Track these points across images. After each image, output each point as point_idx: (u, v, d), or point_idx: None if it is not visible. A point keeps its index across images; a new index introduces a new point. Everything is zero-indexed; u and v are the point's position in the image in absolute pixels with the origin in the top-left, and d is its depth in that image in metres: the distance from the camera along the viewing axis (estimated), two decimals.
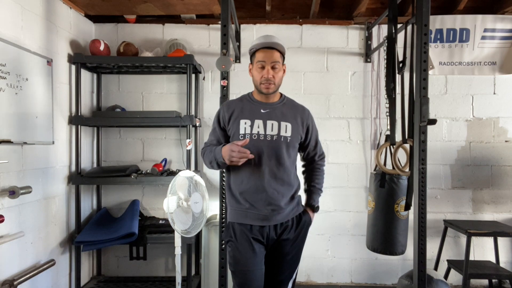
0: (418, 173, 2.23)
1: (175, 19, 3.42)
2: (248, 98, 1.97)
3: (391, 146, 2.80)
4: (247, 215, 1.85)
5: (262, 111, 1.90)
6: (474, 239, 3.33)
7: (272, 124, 1.87)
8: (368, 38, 3.40)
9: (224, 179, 2.11)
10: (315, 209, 2.03)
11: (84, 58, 3.02)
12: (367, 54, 3.41)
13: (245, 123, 1.86)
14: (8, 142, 2.26)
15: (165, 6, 3.03)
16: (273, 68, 1.84)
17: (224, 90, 2.19)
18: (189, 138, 3.05)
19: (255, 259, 1.82)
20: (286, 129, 1.88)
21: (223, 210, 2.16)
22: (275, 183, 1.84)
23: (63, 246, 2.93)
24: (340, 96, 3.44)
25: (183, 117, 3.05)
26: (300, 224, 1.93)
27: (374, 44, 3.38)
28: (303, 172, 2.15)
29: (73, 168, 3.05)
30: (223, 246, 2.13)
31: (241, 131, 1.85)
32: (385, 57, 2.69)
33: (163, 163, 3.29)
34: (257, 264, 1.83)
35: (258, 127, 1.85)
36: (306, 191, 2.09)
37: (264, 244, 1.87)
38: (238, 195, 1.87)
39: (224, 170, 2.08)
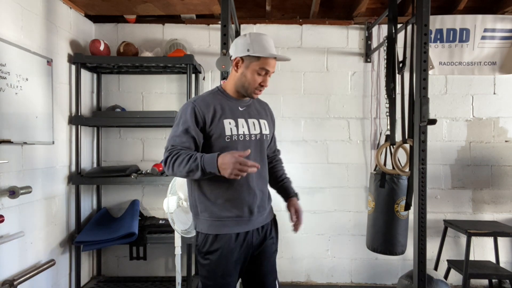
0: (418, 173, 2.23)
1: (175, 19, 3.41)
2: (222, 94, 1.79)
3: (391, 146, 2.80)
4: (232, 223, 1.71)
5: (240, 109, 1.79)
6: (474, 239, 3.33)
7: (254, 122, 1.80)
8: (368, 38, 3.39)
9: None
10: (298, 196, 1.99)
11: (84, 58, 3.02)
12: (367, 54, 3.40)
13: (230, 123, 1.71)
14: (8, 142, 2.26)
15: (165, 6, 3.03)
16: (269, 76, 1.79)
17: None
18: None
19: (235, 272, 1.75)
20: (265, 127, 1.85)
21: None
22: (261, 183, 1.81)
23: (63, 246, 2.93)
24: (340, 96, 3.44)
25: None
26: (275, 223, 1.94)
27: (374, 44, 3.38)
28: (270, 169, 2.01)
29: (73, 168, 3.05)
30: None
31: (227, 132, 1.69)
32: (385, 57, 2.69)
33: None
34: (236, 276, 1.77)
35: (243, 127, 1.74)
36: (281, 186, 1.99)
37: (249, 251, 1.77)
38: (221, 203, 1.70)
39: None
